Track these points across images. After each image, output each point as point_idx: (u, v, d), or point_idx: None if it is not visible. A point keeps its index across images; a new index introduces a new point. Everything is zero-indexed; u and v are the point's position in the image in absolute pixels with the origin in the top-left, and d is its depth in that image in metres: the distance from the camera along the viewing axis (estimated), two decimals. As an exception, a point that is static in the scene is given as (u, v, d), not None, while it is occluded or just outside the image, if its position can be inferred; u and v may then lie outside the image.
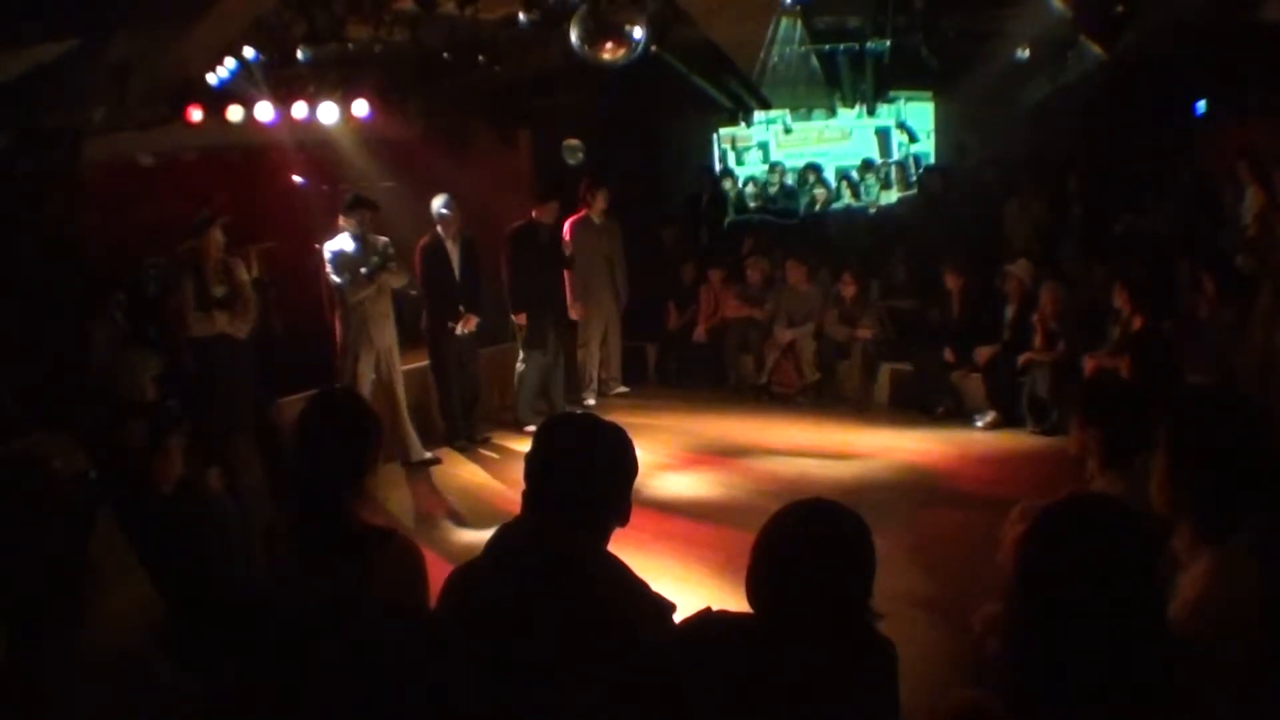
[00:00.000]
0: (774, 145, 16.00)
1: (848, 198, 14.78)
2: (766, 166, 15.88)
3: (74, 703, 2.43)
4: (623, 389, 12.18)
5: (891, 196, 14.88)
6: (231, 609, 3.54)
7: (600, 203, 11.28)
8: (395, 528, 3.21)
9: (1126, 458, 3.80)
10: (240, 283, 8.29)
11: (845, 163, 15.52)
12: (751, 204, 15.41)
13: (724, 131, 16.04)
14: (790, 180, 15.44)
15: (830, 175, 15.30)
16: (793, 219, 14.92)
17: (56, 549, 2.52)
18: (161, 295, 8.53)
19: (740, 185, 15.63)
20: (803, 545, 2.52)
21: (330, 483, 3.09)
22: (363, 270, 9.11)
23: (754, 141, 16.03)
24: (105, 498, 3.47)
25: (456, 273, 9.96)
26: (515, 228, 10.69)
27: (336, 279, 9.11)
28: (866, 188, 14.95)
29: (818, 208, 14.82)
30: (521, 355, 10.76)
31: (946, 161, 14.45)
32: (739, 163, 16.13)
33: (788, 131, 15.88)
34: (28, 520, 2.50)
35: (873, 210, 14.64)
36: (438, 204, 9.94)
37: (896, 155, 15.32)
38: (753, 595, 2.55)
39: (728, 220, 15.10)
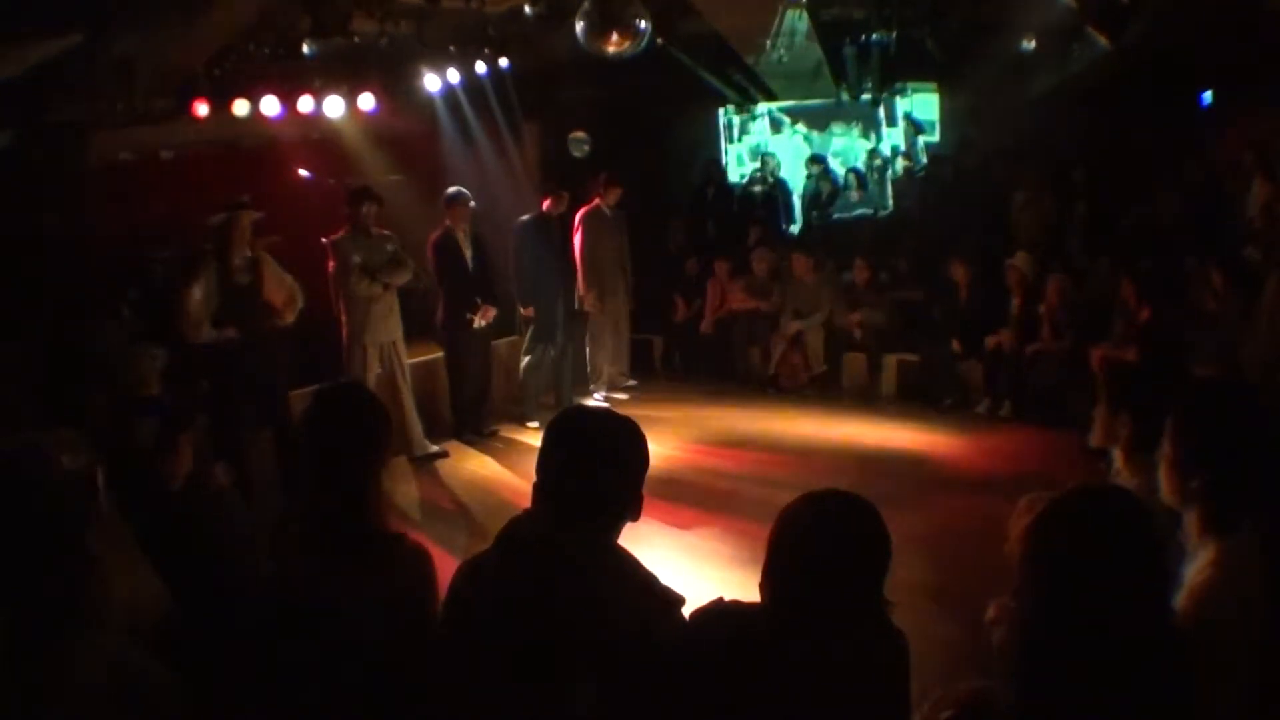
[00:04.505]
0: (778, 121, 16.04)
1: (855, 191, 14.74)
2: (770, 127, 15.90)
3: (72, 701, 2.43)
4: (630, 382, 12.18)
5: (897, 169, 14.88)
6: (238, 606, 3.54)
7: (613, 197, 11.26)
8: (404, 531, 3.18)
9: (1150, 448, 3.80)
10: (262, 277, 8.27)
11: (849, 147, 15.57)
12: (755, 177, 15.45)
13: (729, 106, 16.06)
14: (784, 174, 15.47)
15: (835, 165, 15.30)
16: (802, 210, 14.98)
17: (53, 546, 2.51)
18: (169, 290, 8.51)
19: (747, 164, 15.70)
20: (818, 535, 2.52)
21: (340, 480, 3.07)
22: (374, 266, 9.13)
23: (761, 109, 16.00)
24: (102, 494, 3.47)
25: (470, 265, 9.97)
26: (525, 220, 10.70)
27: (342, 274, 9.13)
28: (873, 175, 14.94)
29: (823, 199, 14.80)
30: (527, 348, 10.76)
31: (952, 153, 14.43)
32: (744, 132, 16.13)
33: (794, 132, 15.89)
34: (22, 516, 2.49)
35: (881, 212, 14.65)
36: (455, 194, 9.97)
37: (900, 124, 15.31)
38: (766, 586, 2.55)
39: (738, 190, 15.13)
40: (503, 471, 9.36)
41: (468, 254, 9.98)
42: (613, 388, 11.81)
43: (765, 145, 15.87)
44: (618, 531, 2.80)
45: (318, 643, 2.88)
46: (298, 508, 3.23)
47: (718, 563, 6.78)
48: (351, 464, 3.09)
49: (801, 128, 15.84)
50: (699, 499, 8.24)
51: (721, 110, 15.94)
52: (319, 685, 2.87)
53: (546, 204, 10.74)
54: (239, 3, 8.77)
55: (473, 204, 10.02)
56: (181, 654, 3.00)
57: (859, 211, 14.58)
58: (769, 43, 13.01)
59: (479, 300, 9.96)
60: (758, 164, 15.57)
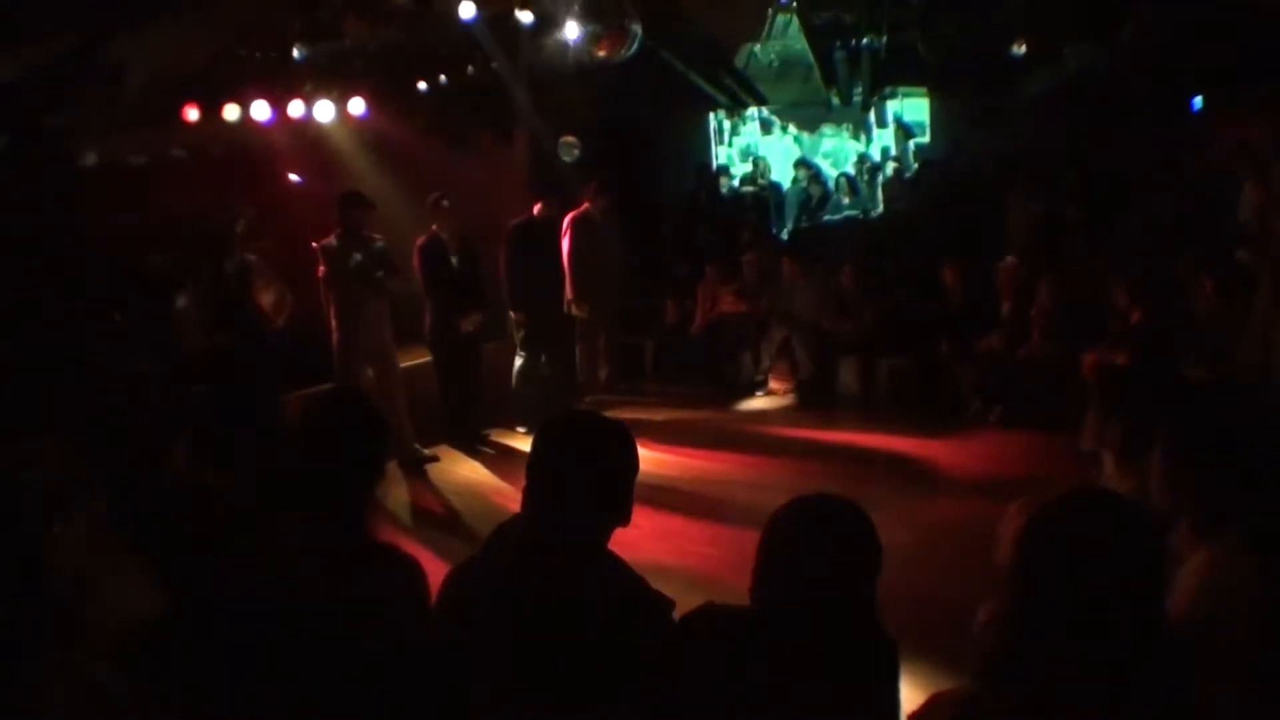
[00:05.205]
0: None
1: (845, 196, 14.76)
2: (760, 128, 15.94)
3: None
4: (620, 386, 12.17)
5: (887, 170, 14.91)
6: (232, 613, 3.53)
7: (603, 203, 11.23)
8: (395, 536, 3.17)
9: (1141, 452, 3.80)
10: (253, 281, 8.27)
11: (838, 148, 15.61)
12: (745, 178, 15.48)
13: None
14: (776, 176, 15.51)
15: (824, 166, 15.33)
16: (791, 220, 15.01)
17: (11, 563, 2.48)
18: (162, 294, 8.51)
19: (739, 166, 15.73)
20: (808, 539, 2.52)
21: (335, 488, 3.06)
22: (364, 271, 9.13)
23: (751, 112, 16.03)
24: (90, 502, 3.44)
25: (456, 270, 9.96)
26: (514, 224, 10.67)
27: (333, 278, 9.13)
28: (863, 178, 14.96)
29: (813, 204, 14.82)
30: (518, 353, 10.74)
31: (943, 156, 14.45)
32: (735, 134, 16.15)
33: (784, 132, 15.92)
34: None
35: (869, 216, 14.68)
36: (440, 199, 9.96)
37: (891, 126, 15.34)
38: (756, 589, 2.56)
39: (729, 193, 15.16)
40: (493, 476, 9.34)
41: (454, 259, 9.97)
42: (602, 392, 11.79)
43: (756, 147, 15.90)
44: (607, 535, 2.81)
45: (311, 651, 2.87)
46: (291, 515, 3.20)
47: (707, 567, 6.76)
48: (348, 472, 3.09)
49: (792, 129, 15.86)
50: (689, 503, 8.23)
51: (712, 114, 15.96)
52: (311, 693, 2.86)
53: (537, 208, 10.71)
54: (230, 7, 8.76)
55: (446, 204, 9.97)
56: (174, 661, 2.99)
57: (847, 213, 14.62)
58: (759, 47, 13.05)
59: (465, 305, 9.95)
60: (749, 166, 15.62)
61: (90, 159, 9.19)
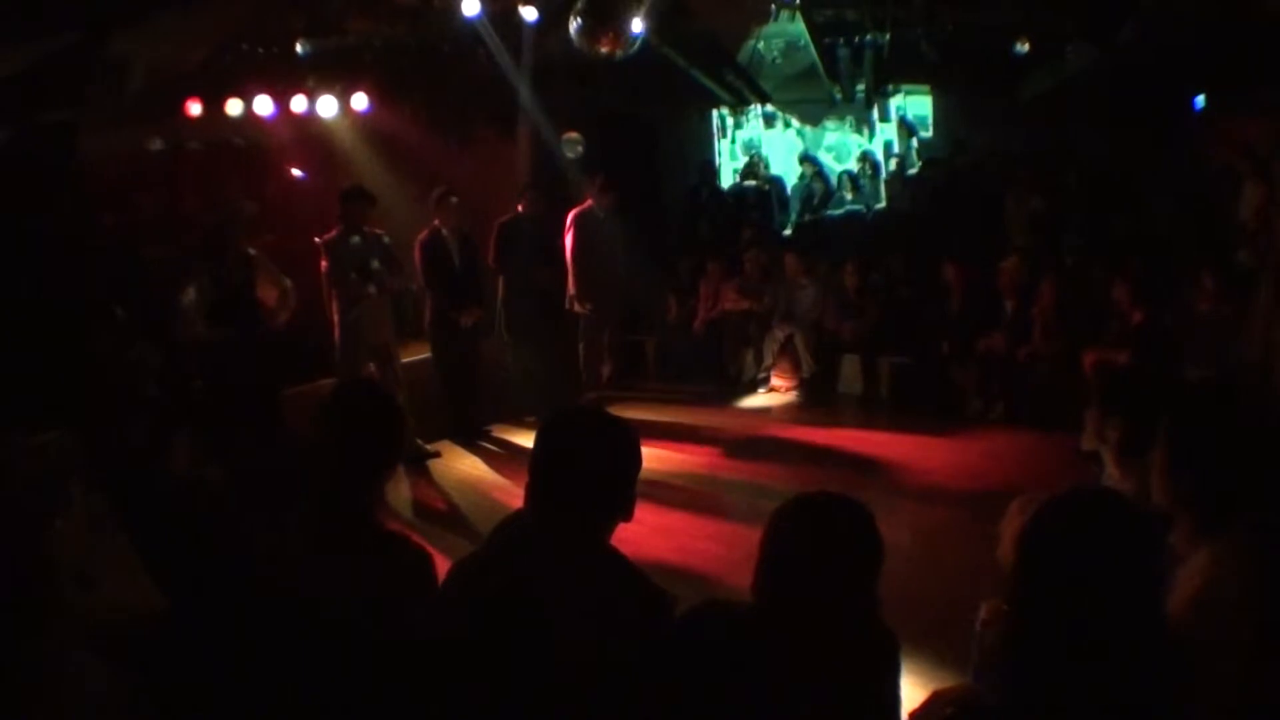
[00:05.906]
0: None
1: (848, 192, 14.75)
2: (763, 123, 15.95)
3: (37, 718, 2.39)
4: (622, 384, 12.16)
5: (891, 165, 14.91)
6: (233, 609, 3.53)
7: (606, 200, 11.21)
8: (407, 532, 3.17)
9: (1142, 451, 3.81)
10: (255, 276, 8.26)
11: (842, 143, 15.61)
12: (745, 172, 15.50)
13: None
14: (778, 170, 15.52)
15: (827, 160, 15.34)
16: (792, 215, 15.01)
17: (6, 557, 2.47)
18: (164, 289, 8.50)
19: (740, 160, 15.73)
20: (810, 537, 2.52)
21: (352, 480, 3.07)
22: (367, 267, 9.13)
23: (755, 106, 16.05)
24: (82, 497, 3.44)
25: (457, 266, 9.95)
26: (501, 222, 10.62)
27: (335, 273, 9.13)
28: (865, 179, 14.95)
29: (816, 201, 14.82)
30: (514, 348, 10.72)
31: (945, 154, 14.44)
32: (738, 127, 16.15)
33: (787, 126, 15.92)
34: None
35: (872, 211, 14.68)
36: (443, 194, 9.95)
37: (894, 121, 15.35)
38: (758, 586, 2.56)
39: (729, 186, 15.14)
40: (494, 472, 9.33)
41: (455, 255, 9.96)
42: (605, 390, 11.79)
43: (758, 141, 15.89)
44: (610, 531, 2.81)
45: (317, 643, 2.87)
46: (301, 506, 3.20)
47: (709, 564, 6.76)
48: (369, 465, 3.10)
49: (794, 123, 15.86)
50: (691, 500, 8.23)
51: (715, 110, 15.95)
52: (317, 686, 2.87)
53: (521, 205, 10.67)
54: (234, 2, 8.76)
55: (453, 200, 9.99)
56: (175, 657, 2.99)
57: (850, 208, 14.62)
58: (762, 42, 13.04)
59: (466, 301, 9.94)
60: (747, 159, 15.64)
61: (92, 153, 9.17)
